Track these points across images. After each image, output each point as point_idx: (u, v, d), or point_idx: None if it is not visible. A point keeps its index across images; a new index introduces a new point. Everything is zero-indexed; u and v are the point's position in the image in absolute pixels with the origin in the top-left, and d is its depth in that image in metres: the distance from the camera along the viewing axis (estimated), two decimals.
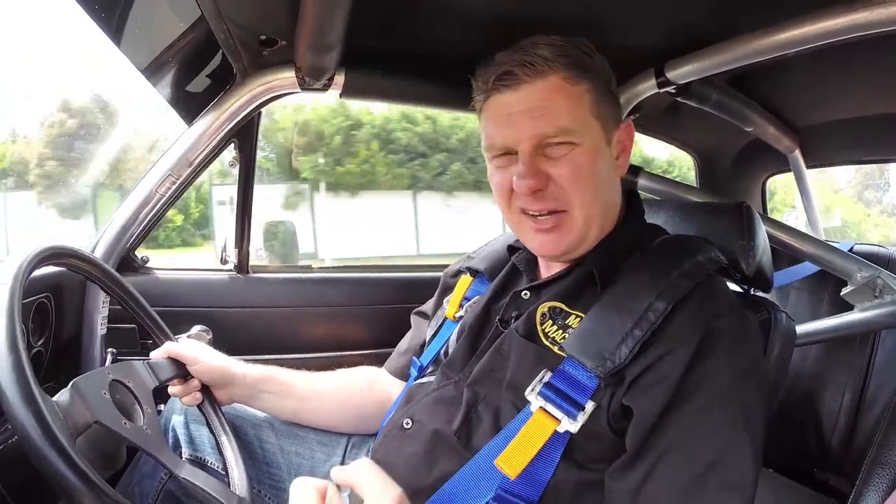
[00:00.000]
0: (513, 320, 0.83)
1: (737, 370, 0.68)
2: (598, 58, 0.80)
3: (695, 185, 1.87)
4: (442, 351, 0.95)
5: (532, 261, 0.90)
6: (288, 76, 1.14)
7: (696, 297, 0.70)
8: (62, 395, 0.69)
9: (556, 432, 0.69)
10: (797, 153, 1.63)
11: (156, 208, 1.24)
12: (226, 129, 1.20)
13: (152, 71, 1.10)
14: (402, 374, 1.06)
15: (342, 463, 1.00)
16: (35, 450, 0.56)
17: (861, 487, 0.67)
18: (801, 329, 1.33)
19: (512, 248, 0.95)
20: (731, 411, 0.66)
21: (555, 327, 0.77)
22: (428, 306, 1.10)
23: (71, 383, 0.70)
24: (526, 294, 0.86)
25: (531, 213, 0.79)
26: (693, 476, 0.64)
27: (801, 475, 1.42)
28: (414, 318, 1.12)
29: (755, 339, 0.78)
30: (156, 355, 0.93)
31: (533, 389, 0.71)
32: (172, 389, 0.93)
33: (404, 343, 1.09)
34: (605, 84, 0.79)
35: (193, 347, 0.95)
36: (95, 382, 0.74)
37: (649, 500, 0.65)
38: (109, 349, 0.95)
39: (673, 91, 1.24)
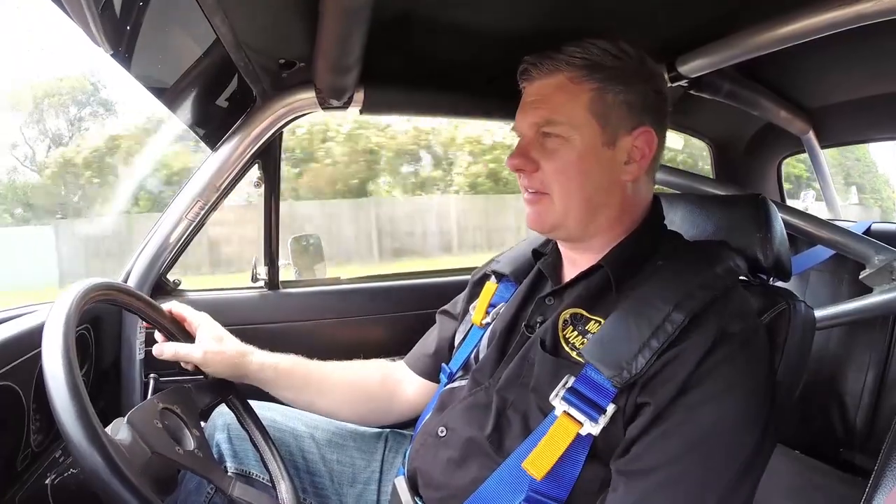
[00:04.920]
0: (538, 325, 0.86)
1: (741, 370, 0.70)
2: (631, 62, 0.81)
3: (710, 172, 1.87)
4: (472, 356, 0.97)
5: (556, 265, 0.92)
6: (308, 96, 1.15)
7: (714, 309, 0.71)
8: (122, 433, 0.70)
9: (578, 435, 0.71)
10: (811, 134, 1.62)
11: (186, 233, 1.26)
12: (250, 152, 1.22)
13: (171, 98, 1.10)
14: (428, 375, 1.09)
15: (381, 468, 1.04)
16: (113, 496, 0.59)
17: (881, 469, 0.68)
18: (821, 313, 1.35)
19: (537, 253, 0.97)
20: (736, 410, 0.68)
21: (575, 333, 0.79)
22: (453, 306, 1.12)
23: (126, 418, 0.72)
24: (550, 300, 0.88)
25: (523, 187, 0.87)
26: (692, 468, 0.67)
27: (828, 456, 1.43)
28: (439, 317, 1.14)
29: (764, 349, 0.78)
30: (160, 353, 0.94)
31: (557, 394, 0.73)
32: (189, 367, 0.96)
33: (431, 344, 1.11)
34: (623, 87, 0.80)
35: (203, 346, 0.95)
36: (148, 413, 0.76)
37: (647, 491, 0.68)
38: (151, 374, 0.97)
39: (685, 84, 1.25)
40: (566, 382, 0.74)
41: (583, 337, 0.78)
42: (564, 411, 0.72)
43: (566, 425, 0.72)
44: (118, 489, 0.58)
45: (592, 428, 0.71)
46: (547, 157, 0.82)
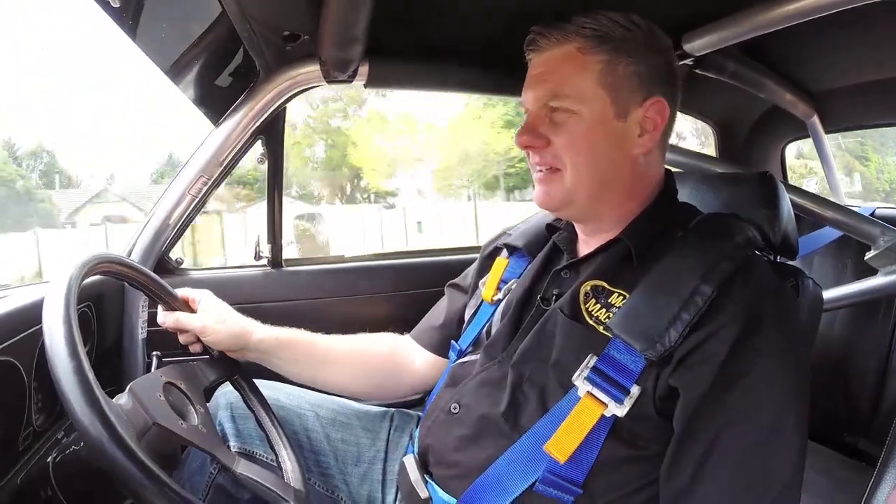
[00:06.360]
0: (553, 299, 0.85)
1: (782, 351, 0.69)
2: (639, 32, 0.81)
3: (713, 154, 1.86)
4: (483, 332, 0.96)
5: (572, 239, 0.91)
6: (312, 70, 1.14)
7: (739, 279, 0.71)
8: (122, 399, 0.70)
9: (602, 416, 0.70)
10: (815, 119, 1.61)
11: (189, 210, 1.25)
12: (253, 127, 1.21)
13: (176, 72, 1.09)
14: (436, 349, 1.08)
15: (386, 447, 1.02)
16: (104, 453, 0.57)
17: (888, 453, 0.68)
18: (825, 295, 1.34)
19: (551, 228, 0.96)
20: (779, 393, 0.68)
21: (598, 306, 0.78)
22: (463, 279, 1.11)
23: (128, 388, 0.71)
24: (566, 273, 0.87)
25: (534, 164, 0.84)
26: (742, 460, 0.66)
27: (831, 440, 1.43)
28: (448, 290, 1.13)
29: (796, 314, 0.79)
30: (163, 322, 0.96)
31: (580, 374, 0.72)
32: (193, 348, 0.97)
33: (439, 317, 1.10)
34: (633, 58, 0.80)
35: (203, 318, 0.96)
36: (150, 385, 0.75)
37: (704, 491, 0.67)
38: (154, 352, 0.97)
39: (690, 63, 1.24)
40: (589, 362, 0.73)
41: (607, 310, 0.77)
42: (588, 392, 0.71)
43: (590, 406, 0.71)
44: (115, 452, 0.57)
45: (618, 409, 0.70)
46: (556, 131, 0.80)
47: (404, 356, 1.09)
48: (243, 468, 0.78)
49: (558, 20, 0.81)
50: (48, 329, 0.63)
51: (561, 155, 0.81)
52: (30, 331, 0.85)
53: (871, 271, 1.34)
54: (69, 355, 0.61)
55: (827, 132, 1.66)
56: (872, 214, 1.48)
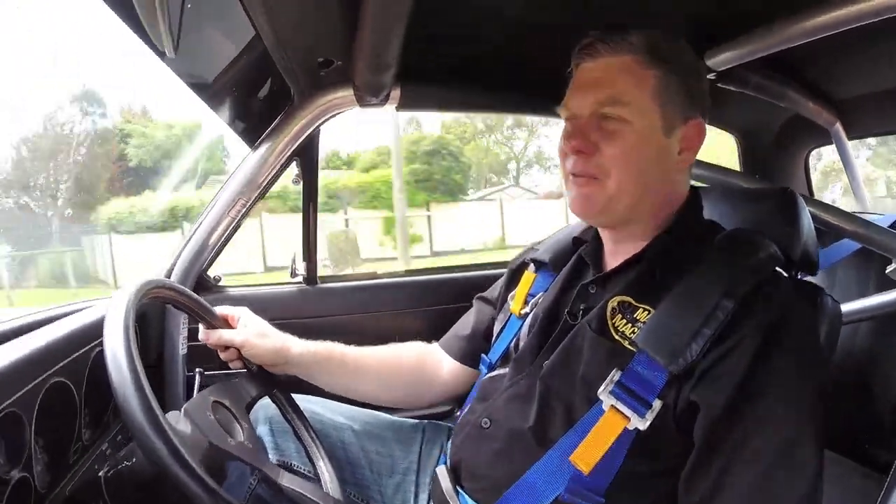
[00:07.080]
0: (581, 314, 0.86)
1: (801, 365, 0.71)
2: (686, 55, 0.85)
3: (737, 164, 1.86)
4: (511, 345, 0.97)
5: (598, 253, 0.93)
6: (346, 94, 1.17)
7: (761, 295, 0.72)
8: (181, 424, 0.74)
9: (625, 429, 0.73)
10: (838, 126, 1.61)
11: (227, 230, 1.28)
12: (289, 150, 1.24)
13: (210, 96, 1.12)
14: (464, 359, 1.10)
15: (419, 459, 1.06)
16: (176, 477, 0.62)
17: None
18: (847, 307, 1.33)
19: (577, 241, 0.98)
20: (797, 406, 0.69)
21: (624, 321, 0.80)
22: (491, 292, 1.14)
23: (182, 410, 0.76)
24: (593, 288, 0.89)
25: (573, 173, 0.85)
26: (761, 471, 0.67)
27: (852, 451, 1.42)
28: (476, 303, 1.15)
29: (815, 330, 0.81)
30: (205, 339, 0.99)
31: (605, 388, 0.75)
32: (233, 364, 1.00)
33: (466, 327, 1.12)
34: (682, 78, 0.83)
35: (244, 332, 0.98)
36: (201, 406, 0.79)
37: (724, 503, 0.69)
38: (198, 369, 1.00)
39: (713, 77, 1.25)
40: (613, 376, 0.75)
41: (632, 325, 0.79)
42: (612, 405, 0.73)
43: (614, 420, 0.73)
44: (185, 479, 0.62)
45: (640, 423, 0.72)
46: (607, 139, 0.81)
47: (432, 364, 1.12)
48: (287, 481, 0.82)
49: (614, 28, 0.83)
50: (112, 360, 0.66)
51: (606, 165, 0.81)
52: (80, 352, 0.90)
53: (894, 282, 1.34)
54: (136, 389, 0.64)
55: (850, 139, 1.65)
56: (894, 224, 1.48)
